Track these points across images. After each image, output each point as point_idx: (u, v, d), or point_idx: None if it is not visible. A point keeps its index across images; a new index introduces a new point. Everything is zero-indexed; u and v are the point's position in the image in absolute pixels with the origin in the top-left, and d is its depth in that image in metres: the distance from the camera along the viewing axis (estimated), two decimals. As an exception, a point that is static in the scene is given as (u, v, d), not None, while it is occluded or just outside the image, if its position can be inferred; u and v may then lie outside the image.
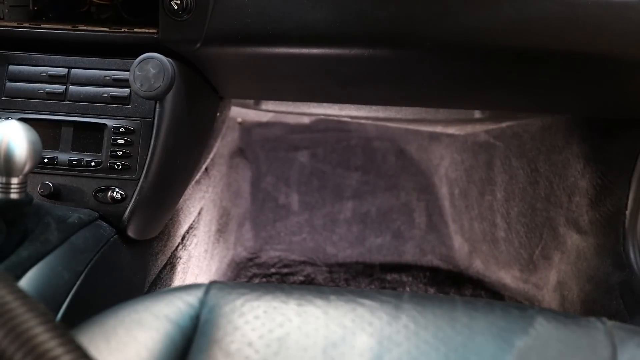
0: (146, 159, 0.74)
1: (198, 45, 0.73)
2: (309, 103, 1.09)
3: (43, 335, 0.28)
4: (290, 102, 1.09)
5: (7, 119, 0.61)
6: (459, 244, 1.19)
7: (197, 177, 1.02)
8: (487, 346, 0.40)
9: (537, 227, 1.07)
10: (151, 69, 0.70)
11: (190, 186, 0.98)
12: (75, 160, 0.74)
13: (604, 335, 0.41)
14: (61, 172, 0.75)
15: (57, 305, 0.59)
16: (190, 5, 0.71)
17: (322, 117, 1.17)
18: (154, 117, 0.74)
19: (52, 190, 0.73)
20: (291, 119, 1.24)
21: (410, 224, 1.22)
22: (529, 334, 0.42)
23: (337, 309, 0.43)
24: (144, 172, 0.74)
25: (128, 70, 0.71)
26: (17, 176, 0.59)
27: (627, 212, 0.85)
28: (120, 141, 0.74)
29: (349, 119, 1.16)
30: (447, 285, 1.16)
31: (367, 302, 0.43)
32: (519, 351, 0.40)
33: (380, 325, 0.41)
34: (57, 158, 0.75)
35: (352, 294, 0.44)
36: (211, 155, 1.03)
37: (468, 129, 1.15)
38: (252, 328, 0.42)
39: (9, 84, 0.77)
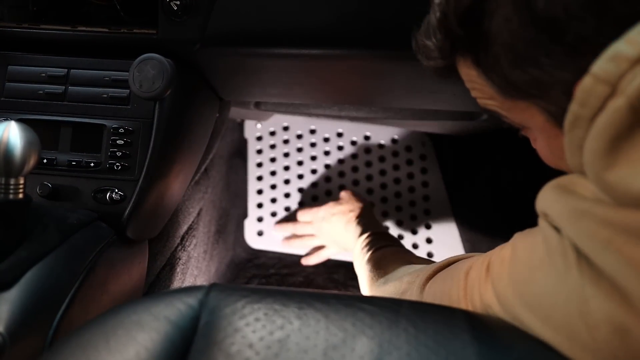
0: (145, 159, 0.74)
1: (198, 46, 0.73)
2: (308, 104, 1.09)
3: None
4: (289, 103, 1.09)
5: (7, 119, 0.61)
6: (459, 245, 1.19)
7: (197, 177, 1.02)
8: (487, 350, 0.40)
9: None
10: (150, 69, 0.70)
11: (189, 187, 0.98)
12: (74, 161, 0.74)
13: None
14: (60, 172, 0.74)
15: (56, 306, 0.59)
16: (189, 6, 0.71)
17: (322, 117, 1.18)
18: (153, 118, 0.74)
19: (51, 190, 0.73)
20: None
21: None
22: (528, 336, 0.42)
23: (338, 312, 0.43)
24: (143, 172, 0.74)
25: (127, 71, 0.71)
26: (16, 177, 0.59)
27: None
28: (120, 142, 0.74)
29: (348, 120, 1.16)
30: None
31: (367, 306, 0.43)
32: (519, 353, 0.40)
33: (381, 329, 0.41)
34: (56, 159, 0.75)
35: (352, 299, 0.44)
36: (210, 156, 1.03)
37: (469, 129, 1.16)
38: (253, 330, 0.42)
39: (8, 84, 0.77)
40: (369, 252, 0.90)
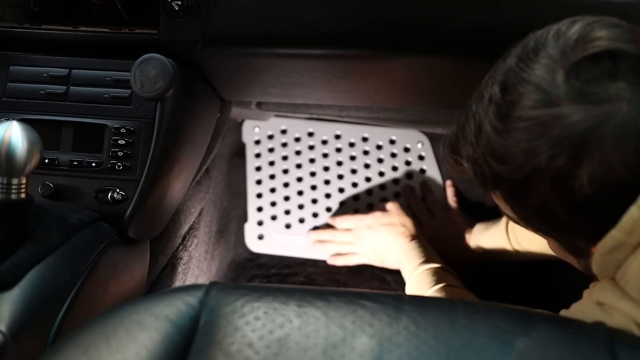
0: (147, 159, 0.74)
1: (199, 46, 0.73)
2: (309, 104, 1.09)
3: None
4: (291, 103, 1.09)
5: (8, 119, 0.61)
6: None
7: (198, 177, 1.02)
8: (487, 347, 0.40)
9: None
10: (152, 69, 0.70)
11: (190, 187, 0.98)
12: (75, 161, 0.75)
13: (604, 339, 0.41)
14: (62, 172, 0.75)
15: (58, 305, 0.59)
16: (191, 6, 0.71)
17: (323, 117, 1.18)
18: (154, 118, 0.74)
19: (52, 190, 0.73)
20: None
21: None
22: (530, 336, 0.42)
23: (338, 310, 0.43)
24: (145, 172, 0.74)
25: (129, 71, 0.71)
26: (18, 177, 0.59)
27: None
28: (121, 142, 0.74)
29: (349, 120, 1.16)
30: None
31: (367, 303, 0.43)
32: (519, 352, 0.40)
33: (381, 327, 0.41)
34: (57, 159, 0.75)
35: (352, 295, 0.44)
36: (212, 156, 1.03)
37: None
38: (253, 329, 0.42)
39: (10, 84, 0.77)
40: (436, 286, 0.87)
